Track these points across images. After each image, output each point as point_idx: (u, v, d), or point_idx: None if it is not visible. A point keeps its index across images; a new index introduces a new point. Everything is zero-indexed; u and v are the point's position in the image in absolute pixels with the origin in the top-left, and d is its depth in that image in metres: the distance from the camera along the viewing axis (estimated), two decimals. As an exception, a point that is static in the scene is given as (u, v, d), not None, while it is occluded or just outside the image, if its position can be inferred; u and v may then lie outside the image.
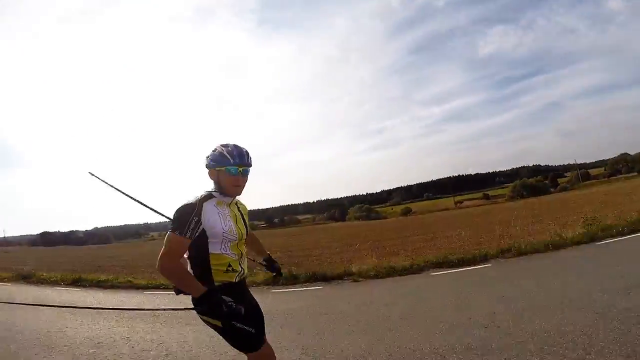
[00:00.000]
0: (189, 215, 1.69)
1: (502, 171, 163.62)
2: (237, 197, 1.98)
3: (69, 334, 4.59)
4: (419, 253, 9.57)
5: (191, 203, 1.74)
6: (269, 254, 2.42)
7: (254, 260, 2.48)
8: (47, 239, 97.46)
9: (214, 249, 1.80)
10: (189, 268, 1.85)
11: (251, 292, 2.12)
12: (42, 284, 9.76)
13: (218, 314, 1.65)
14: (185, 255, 1.84)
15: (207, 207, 1.76)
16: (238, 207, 2.00)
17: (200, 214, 1.71)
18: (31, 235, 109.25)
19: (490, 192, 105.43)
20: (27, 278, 10.41)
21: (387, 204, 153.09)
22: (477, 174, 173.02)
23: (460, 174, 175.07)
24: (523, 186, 75.33)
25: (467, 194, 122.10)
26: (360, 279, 6.77)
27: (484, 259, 6.97)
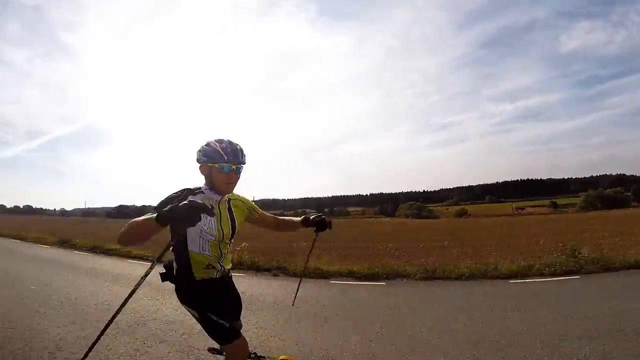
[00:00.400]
0: (167, 199, 1.70)
1: (578, 178, 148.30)
2: (234, 193, 1.93)
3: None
4: (416, 258, 8.50)
5: (177, 193, 1.75)
6: (303, 217, 2.30)
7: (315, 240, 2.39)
8: (122, 212, 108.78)
9: (193, 246, 1.78)
10: (173, 263, 1.88)
11: (234, 284, 2.11)
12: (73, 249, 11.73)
13: (181, 217, 1.42)
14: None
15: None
16: (229, 205, 1.92)
17: None
18: (110, 207, 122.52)
19: (560, 201, 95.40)
20: (65, 243, 12.73)
21: (444, 203, 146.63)
22: (549, 179, 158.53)
23: (530, 177, 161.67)
24: (599, 196, 66.43)
25: (533, 200, 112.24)
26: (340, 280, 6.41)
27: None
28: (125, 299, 1.59)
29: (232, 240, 1.95)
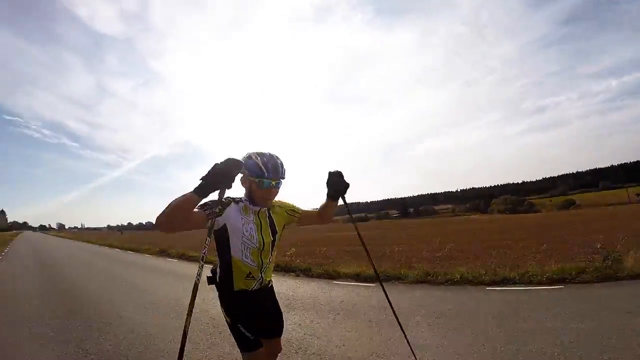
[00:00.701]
0: (217, 201, 1.71)
1: None
2: (276, 199, 1.98)
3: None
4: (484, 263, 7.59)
5: (224, 198, 1.77)
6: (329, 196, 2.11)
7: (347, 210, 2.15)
8: None
9: (236, 252, 1.83)
10: (217, 269, 1.96)
11: (275, 297, 2.14)
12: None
13: (216, 179, 1.54)
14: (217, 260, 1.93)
15: (233, 207, 1.83)
16: (269, 214, 1.97)
17: (226, 208, 1.78)
18: None
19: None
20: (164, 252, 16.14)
21: (547, 194, 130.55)
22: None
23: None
24: None
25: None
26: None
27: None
28: (191, 301, 1.66)
29: (274, 251, 1.98)
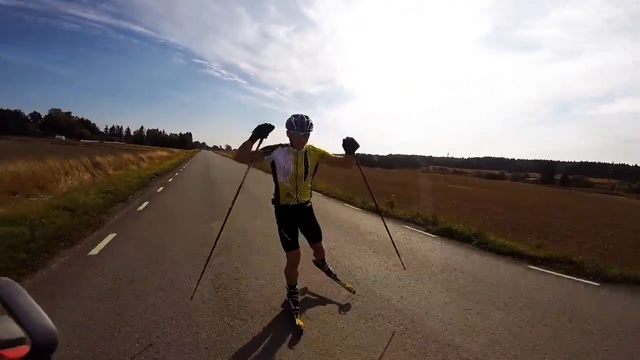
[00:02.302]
0: (267, 147, 2.85)
1: None
2: (312, 145, 2.94)
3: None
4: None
5: (274, 144, 2.89)
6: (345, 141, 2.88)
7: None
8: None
9: (279, 178, 2.87)
10: (273, 193, 3.01)
11: (312, 214, 3.10)
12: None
13: (256, 134, 2.69)
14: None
15: (280, 149, 2.86)
16: (305, 155, 2.89)
17: (272, 151, 2.86)
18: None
19: None
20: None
21: None
22: None
23: None
24: None
25: None
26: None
27: None
28: (223, 222, 3.09)
29: (307, 179, 2.93)
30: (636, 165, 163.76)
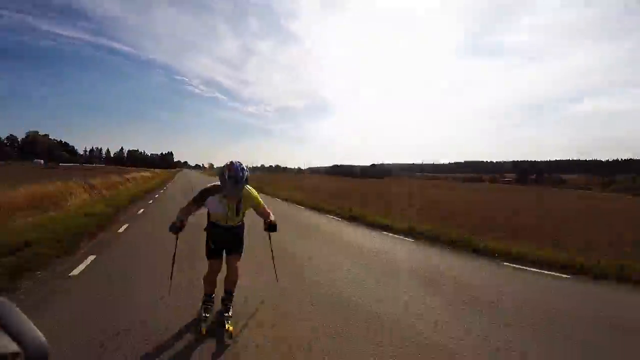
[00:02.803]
0: (199, 197, 3.04)
1: None
2: (248, 190, 3.09)
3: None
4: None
5: (211, 188, 3.03)
6: (267, 221, 3.21)
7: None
8: (336, 170, 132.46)
9: (211, 218, 3.22)
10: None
11: (239, 230, 3.28)
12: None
13: (171, 230, 2.96)
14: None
15: (211, 199, 3.02)
16: (238, 202, 3.06)
17: (204, 201, 3.04)
18: (326, 166, 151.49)
19: None
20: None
21: None
22: None
23: None
24: None
25: None
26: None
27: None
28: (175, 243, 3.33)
29: (239, 216, 3.17)
30: (608, 161, 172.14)
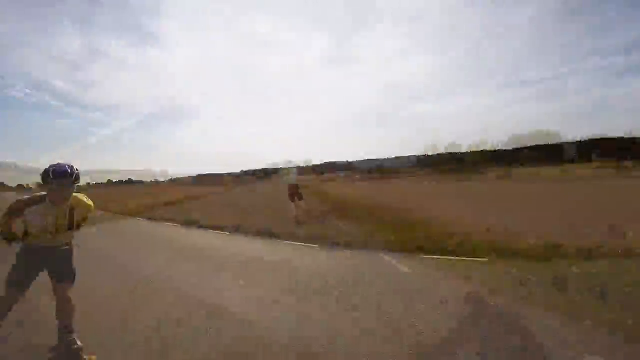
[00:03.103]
0: (15, 209, 2.48)
1: None
2: (82, 199, 2.58)
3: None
4: None
5: (31, 198, 2.49)
6: None
7: None
8: (200, 179, 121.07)
9: (30, 229, 2.48)
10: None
11: (68, 256, 2.71)
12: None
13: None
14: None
15: (29, 210, 2.43)
16: (72, 211, 2.52)
17: (22, 213, 2.46)
18: (191, 175, 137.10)
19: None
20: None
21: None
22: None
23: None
24: None
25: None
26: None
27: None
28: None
29: (63, 230, 2.54)
30: (442, 154, 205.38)
